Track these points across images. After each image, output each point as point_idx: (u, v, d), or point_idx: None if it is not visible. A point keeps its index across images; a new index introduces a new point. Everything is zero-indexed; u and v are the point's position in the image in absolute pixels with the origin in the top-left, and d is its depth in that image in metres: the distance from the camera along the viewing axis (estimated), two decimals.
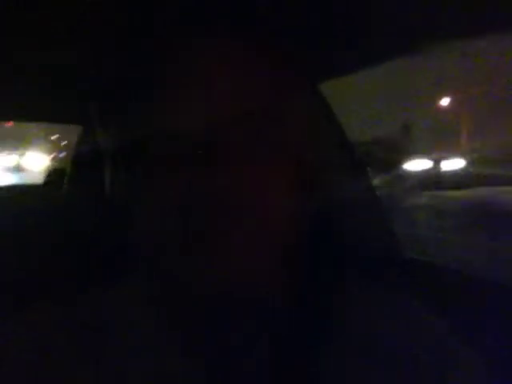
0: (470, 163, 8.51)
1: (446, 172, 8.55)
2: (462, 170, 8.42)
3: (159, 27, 0.45)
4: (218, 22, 0.43)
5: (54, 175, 1.09)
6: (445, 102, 16.57)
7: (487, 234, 4.54)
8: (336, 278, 0.50)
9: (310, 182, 0.45)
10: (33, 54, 0.81)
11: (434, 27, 0.69)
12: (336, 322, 0.46)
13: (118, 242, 0.51)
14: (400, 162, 9.23)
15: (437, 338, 0.47)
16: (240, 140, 0.40)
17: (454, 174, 8.16)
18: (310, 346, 0.45)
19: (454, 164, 8.79)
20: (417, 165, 9.13)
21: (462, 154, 9.61)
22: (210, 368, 0.43)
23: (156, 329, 0.44)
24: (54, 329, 0.44)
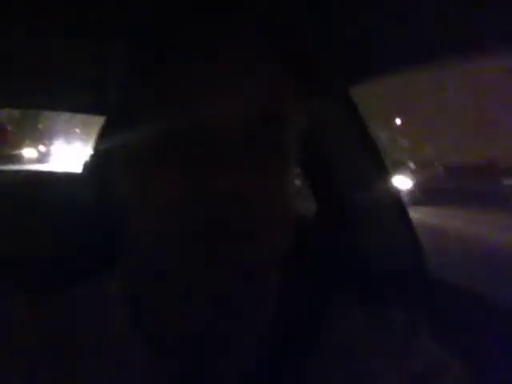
0: None
1: None
2: None
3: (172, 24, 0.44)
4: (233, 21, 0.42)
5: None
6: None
7: None
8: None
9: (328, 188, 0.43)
10: (57, 42, 0.81)
11: None
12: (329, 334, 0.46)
13: (111, 236, 0.50)
14: None
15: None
16: (245, 142, 0.38)
17: None
18: (300, 353, 0.44)
19: None
20: None
21: None
22: (196, 372, 0.42)
23: (142, 328, 0.43)
24: (32, 322, 0.43)
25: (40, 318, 0.44)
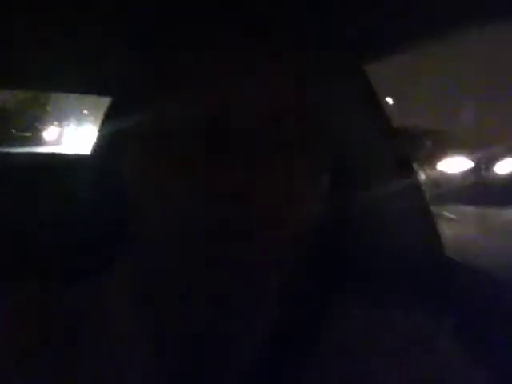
0: None
1: None
2: None
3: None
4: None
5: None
6: None
7: None
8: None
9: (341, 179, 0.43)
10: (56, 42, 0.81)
11: None
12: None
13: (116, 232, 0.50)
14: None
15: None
16: (259, 136, 0.39)
17: None
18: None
19: None
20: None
21: None
22: (196, 372, 0.42)
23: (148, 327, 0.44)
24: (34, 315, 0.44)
25: (40, 318, 0.44)
